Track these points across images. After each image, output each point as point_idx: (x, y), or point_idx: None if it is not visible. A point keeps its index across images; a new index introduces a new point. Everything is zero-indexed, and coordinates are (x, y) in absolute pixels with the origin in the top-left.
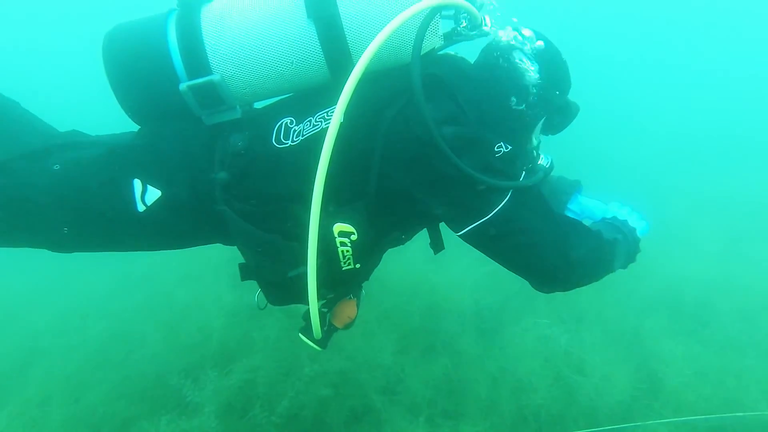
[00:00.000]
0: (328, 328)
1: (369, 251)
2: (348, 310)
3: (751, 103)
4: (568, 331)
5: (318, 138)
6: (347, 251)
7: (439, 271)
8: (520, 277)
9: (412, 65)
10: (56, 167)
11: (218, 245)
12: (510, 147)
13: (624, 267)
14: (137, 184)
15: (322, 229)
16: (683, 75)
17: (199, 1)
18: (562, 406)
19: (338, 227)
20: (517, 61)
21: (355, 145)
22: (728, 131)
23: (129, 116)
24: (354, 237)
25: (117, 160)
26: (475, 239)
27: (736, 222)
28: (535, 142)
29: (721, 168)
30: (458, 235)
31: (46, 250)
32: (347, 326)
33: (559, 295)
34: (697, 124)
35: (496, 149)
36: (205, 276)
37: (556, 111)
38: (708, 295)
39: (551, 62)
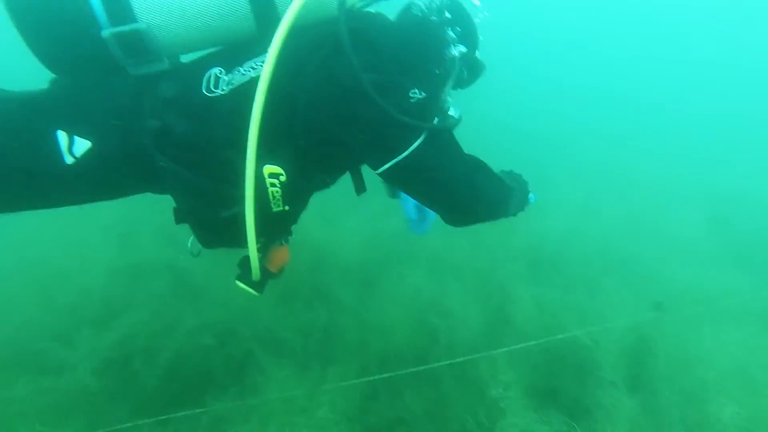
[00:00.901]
0: (263, 274)
1: (297, 193)
2: (281, 254)
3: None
4: (438, 281)
5: (247, 87)
6: (277, 192)
7: (327, 229)
8: (401, 234)
9: (339, 17)
10: None
11: (112, 203)
12: (424, 94)
13: (515, 215)
14: (62, 135)
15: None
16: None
17: None
18: (425, 344)
19: (268, 169)
20: (433, 18)
21: (282, 92)
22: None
23: (44, 64)
24: (282, 178)
25: (34, 113)
26: (392, 176)
27: (591, 182)
28: (446, 94)
29: (586, 133)
30: (377, 173)
31: None
32: (280, 271)
33: (438, 249)
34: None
35: (410, 94)
36: (91, 239)
37: (467, 66)
38: (561, 245)
39: (463, 21)
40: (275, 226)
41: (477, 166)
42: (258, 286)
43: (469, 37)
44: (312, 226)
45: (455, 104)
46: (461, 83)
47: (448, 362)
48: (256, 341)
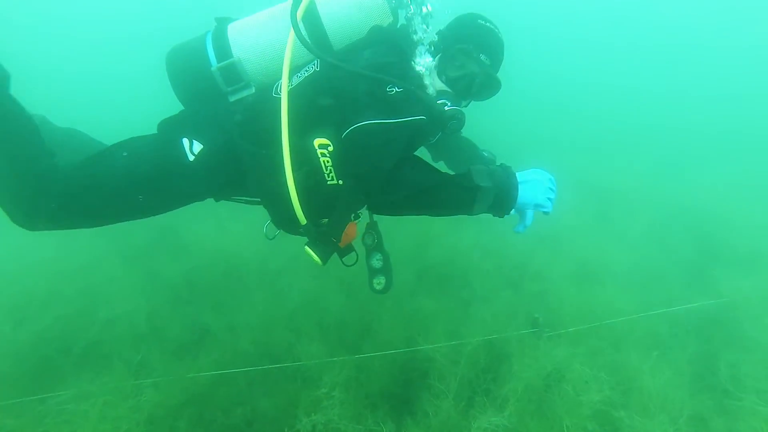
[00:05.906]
0: (330, 247)
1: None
2: (349, 230)
3: None
4: (323, 292)
5: (297, 88)
6: (327, 161)
7: (234, 238)
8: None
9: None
10: (125, 154)
11: None
12: (400, 89)
13: (494, 212)
14: (185, 141)
15: (307, 144)
16: None
17: (228, 19)
18: (283, 347)
19: (317, 141)
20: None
21: (310, 84)
22: None
23: (178, 98)
24: (330, 148)
25: (166, 129)
26: (351, 140)
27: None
28: (432, 89)
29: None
30: (349, 130)
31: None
32: (348, 246)
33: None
34: None
35: (388, 89)
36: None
37: (482, 81)
38: (485, 259)
39: (484, 38)
40: (333, 201)
41: (414, 163)
42: (323, 256)
43: (487, 45)
44: (225, 236)
45: (456, 104)
46: (473, 96)
47: (285, 365)
48: (147, 335)
